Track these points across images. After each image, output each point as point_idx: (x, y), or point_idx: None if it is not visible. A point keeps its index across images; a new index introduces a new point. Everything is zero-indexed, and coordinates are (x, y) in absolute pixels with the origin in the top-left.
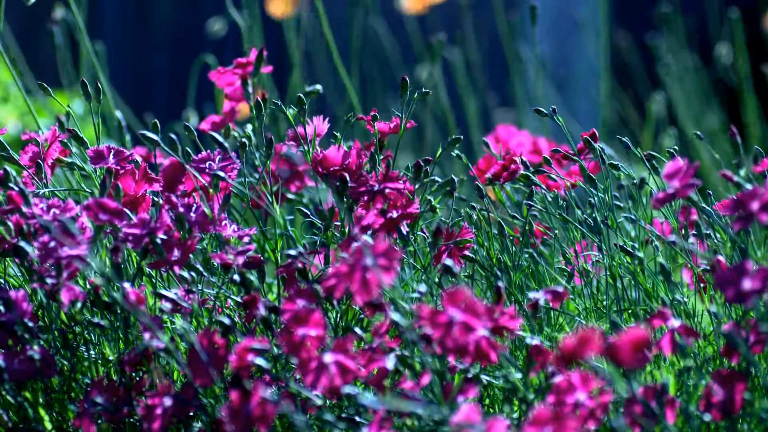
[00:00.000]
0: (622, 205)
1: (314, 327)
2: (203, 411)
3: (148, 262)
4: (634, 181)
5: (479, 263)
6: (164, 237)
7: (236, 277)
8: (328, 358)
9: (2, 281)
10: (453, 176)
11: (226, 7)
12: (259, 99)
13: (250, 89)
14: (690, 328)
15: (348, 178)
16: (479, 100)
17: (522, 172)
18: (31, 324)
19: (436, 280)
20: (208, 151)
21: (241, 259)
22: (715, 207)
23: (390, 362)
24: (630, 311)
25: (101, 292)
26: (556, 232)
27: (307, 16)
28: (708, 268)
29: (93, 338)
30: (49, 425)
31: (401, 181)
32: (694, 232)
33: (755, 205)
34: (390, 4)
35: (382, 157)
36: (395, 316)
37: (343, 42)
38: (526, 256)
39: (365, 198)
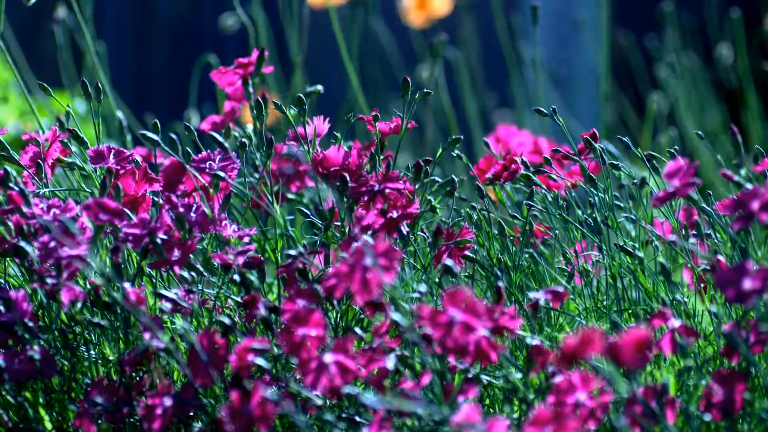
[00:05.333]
0: (622, 205)
1: (314, 327)
2: (203, 411)
3: (149, 262)
4: (635, 181)
5: (479, 263)
6: (164, 237)
7: (236, 277)
8: (329, 358)
9: (2, 281)
10: (453, 176)
11: (227, 6)
12: (260, 99)
13: (251, 89)
14: (690, 328)
15: (348, 178)
16: (479, 100)
17: (522, 172)
18: (31, 324)
19: (437, 280)
20: (209, 151)
21: (241, 259)
22: (716, 207)
23: (390, 362)
24: (630, 311)
25: (101, 292)
26: (557, 232)
27: (309, 15)
28: (708, 268)
29: (93, 338)
30: (49, 425)
31: (401, 181)
32: (694, 231)
33: (755, 205)
34: (391, 3)
35: (382, 157)
36: (395, 316)
37: (343, 41)
38: (527, 256)
39: (365, 198)
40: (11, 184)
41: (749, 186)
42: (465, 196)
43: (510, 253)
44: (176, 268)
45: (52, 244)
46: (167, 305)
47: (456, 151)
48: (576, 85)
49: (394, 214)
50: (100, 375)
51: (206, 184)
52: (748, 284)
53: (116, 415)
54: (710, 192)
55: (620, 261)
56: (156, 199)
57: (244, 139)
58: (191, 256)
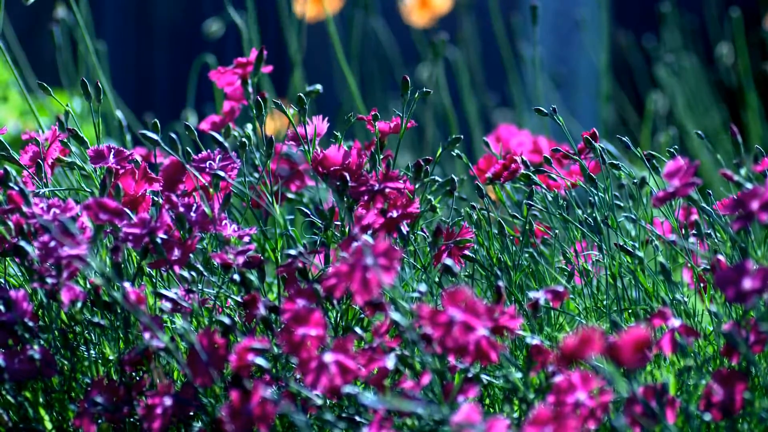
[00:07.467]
0: (622, 204)
1: (314, 327)
2: (203, 411)
3: (149, 262)
4: (635, 181)
5: (479, 263)
6: (164, 236)
7: (236, 276)
8: (328, 357)
9: (2, 281)
10: (453, 176)
11: (226, 7)
12: (260, 98)
13: (250, 89)
14: (690, 327)
15: (348, 178)
16: (479, 100)
17: (522, 171)
18: (31, 324)
19: (436, 279)
20: (208, 150)
21: (241, 259)
22: (716, 206)
23: (390, 362)
24: (630, 311)
25: (101, 292)
26: (557, 231)
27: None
28: (708, 267)
29: (93, 338)
30: (49, 425)
31: (401, 181)
32: (694, 231)
33: (755, 205)
34: (391, 3)
35: (382, 156)
36: (395, 316)
37: (343, 41)
38: (527, 255)
39: (365, 198)
40: (11, 184)
41: (749, 186)
42: (465, 195)
43: (510, 253)
44: (176, 268)
45: (52, 243)
46: (167, 305)
47: (456, 151)
48: (576, 85)
49: (394, 214)
50: (100, 375)
51: (206, 184)
52: (748, 284)
53: (116, 415)
54: (710, 191)
55: (620, 261)
56: (156, 198)
57: (243, 139)
58: (191, 255)
